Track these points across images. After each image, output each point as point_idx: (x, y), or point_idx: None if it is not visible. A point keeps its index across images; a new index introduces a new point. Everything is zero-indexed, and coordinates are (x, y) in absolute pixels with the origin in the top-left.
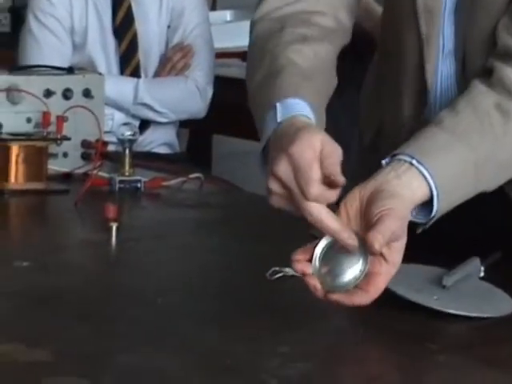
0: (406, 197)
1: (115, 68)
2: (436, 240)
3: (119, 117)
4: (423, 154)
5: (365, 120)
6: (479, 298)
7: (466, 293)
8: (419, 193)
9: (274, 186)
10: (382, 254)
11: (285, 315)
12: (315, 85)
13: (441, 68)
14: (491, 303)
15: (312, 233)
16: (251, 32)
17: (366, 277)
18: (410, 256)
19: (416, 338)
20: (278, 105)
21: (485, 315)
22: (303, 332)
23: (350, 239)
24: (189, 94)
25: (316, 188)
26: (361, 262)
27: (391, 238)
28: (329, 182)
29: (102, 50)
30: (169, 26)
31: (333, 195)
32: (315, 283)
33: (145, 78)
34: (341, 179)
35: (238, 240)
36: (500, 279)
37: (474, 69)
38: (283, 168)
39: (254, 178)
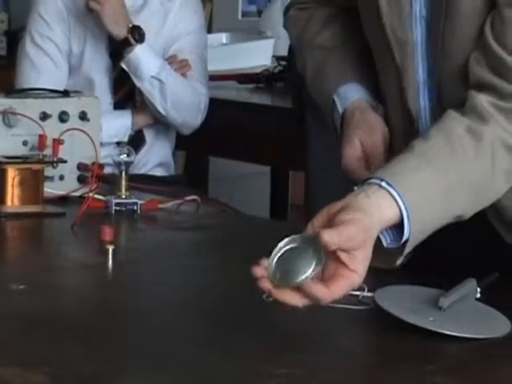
0: (375, 215)
1: (109, 88)
2: (432, 261)
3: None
4: (393, 175)
5: None
6: (476, 319)
7: (462, 314)
8: (389, 214)
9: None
10: (342, 261)
11: (282, 337)
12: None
13: (423, 98)
14: (488, 324)
15: None
16: (285, 14)
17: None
18: (406, 277)
19: (413, 359)
20: (335, 97)
21: (481, 336)
22: (300, 353)
23: None
24: (194, 99)
25: None
26: (314, 262)
27: (348, 242)
28: None
29: (98, 71)
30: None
31: None
32: (265, 284)
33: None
34: None
35: (234, 262)
36: (496, 300)
37: (449, 100)
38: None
39: (250, 200)
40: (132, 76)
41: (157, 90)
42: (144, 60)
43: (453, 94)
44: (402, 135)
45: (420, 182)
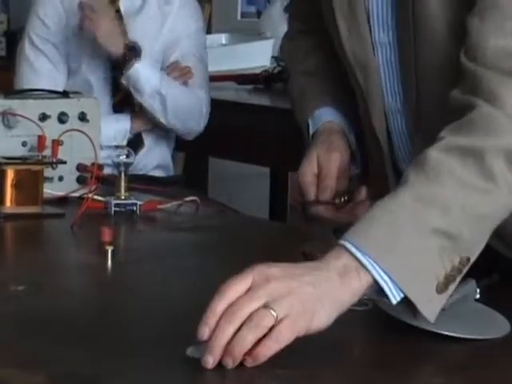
0: None
1: (108, 90)
2: None
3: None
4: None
5: None
6: (475, 320)
7: (461, 314)
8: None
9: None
10: None
11: None
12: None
13: (392, 125)
14: (487, 325)
15: (304, 251)
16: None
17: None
18: None
19: (413, 359)
20: (309, 120)
21: (481, 337)
22: (300, 354)
23: None
24: (196, 106)
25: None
26: None
27: None
28: None
29: (96, 73)
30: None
31: None
32: None
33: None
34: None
35: (234, 263)
36: (496, 301)
37: (428, 127)
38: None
39: (249, 201)
40: (132, 91)
41: (158, 103)
42: (143, 75)
43: (434, 119)
44: (378, 163)
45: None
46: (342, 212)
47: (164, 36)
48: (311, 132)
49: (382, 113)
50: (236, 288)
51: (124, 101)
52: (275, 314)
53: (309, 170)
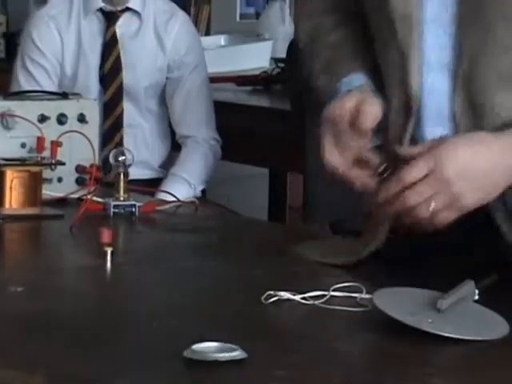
0: None
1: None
2: (431, 263)
3: None
4: None
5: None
6: (474, 321)
7: (460, 316)
8: None
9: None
10: None
11: (280, 339)
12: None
13: (428, 82)
14: (486, 326)
15: (298, 252)
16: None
17: None
18: (405, 279)
19: (412, 361)
20: (338, 84)
21: (480, 338)
22: (298, 356)
23: None
24: (210, 161)
25: None
26: None
27: None
28: None
29: (90, 94)
30: (168, 78)
31: None
32: None
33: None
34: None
35: (232, 264)
36: (494, 302)
37: (480, 92)
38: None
39: (248, 202)
40: None
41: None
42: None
43: (482, 81)
44: (397, 127)
45: None
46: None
47: (166, 55)
48: (342, 92)
49: (419, 68)
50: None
51: (115, 126)
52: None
53: (342, 105)
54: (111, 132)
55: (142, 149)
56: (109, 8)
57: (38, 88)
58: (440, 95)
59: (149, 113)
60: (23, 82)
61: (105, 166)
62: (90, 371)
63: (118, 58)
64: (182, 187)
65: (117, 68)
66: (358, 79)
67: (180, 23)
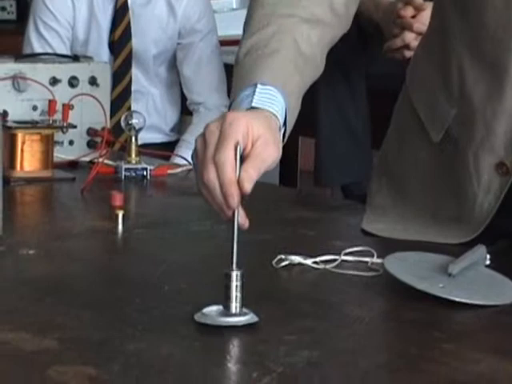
0: None
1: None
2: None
3: None
4: None
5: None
6: (485, 286)
7: (471, 281)
8: None
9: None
10: None
11: (291, 303)
12: (305, 75)
13: None
14: (497, 291)
15: None
16: None
17: None
18: (416, 243)
19: (422, 325)
20: (259, 87)
21: (491, 303)
22: (309, 320)
23: None
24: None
25: None
26: None
27: None
28: None
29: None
30: (179, 43)
31: None
32: None
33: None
34: None
35: None
36: (506, 267)
37: None
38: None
39: None
40: None
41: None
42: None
43: None
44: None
45: None
46: None
47: (178, 23)
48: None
49: None
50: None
51: (122, 95)
52: None
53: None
54: (121, 99)
55: (152, 115)
56: None
57: (50, 51)
58: None
59: (158, 79)
60: (36, 45)
61: (115, 132)
62: (101, 334)
63: (129, 25)
64: None
65: (127, 35)
66: (276, 101)
67: None
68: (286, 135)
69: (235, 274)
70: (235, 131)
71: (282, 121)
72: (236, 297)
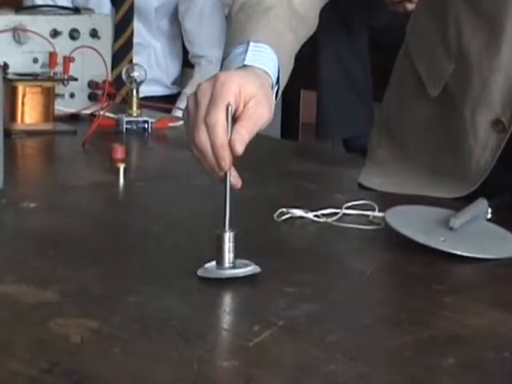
0: None
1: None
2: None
3: None
4: None
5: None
6: (486, 240)
7: (473, 234)
8: None
9: None
10: None
11: (292, 256)
12: (298, 33)
13: None
14: (498, 245)
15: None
16: None
17: None
18: (417, 197)
19: (423, 279)
20: (251, 45)
21: (492, 256)
22: (310, 273)
23: None
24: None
25: None
26: None
27: None
28: None
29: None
30: None
31: None
32: None
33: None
34: None
35: (245, 181)
36: (507, 221)
37: None
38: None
39: None
40: None
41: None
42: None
43: None
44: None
45: None
46: None
47: None
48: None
49: None
50: None
51: (124, 47)
52: None
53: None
54: (123, 51)
55: (154, 68)
56: None
57: (51, 3)
58: None
59: (160, 32)
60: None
61: (116, 85)
62: (103, 287)
63: None
64: None
65: None
66: (268, 60)
67: None
68: (279, 93)
69: (228, 235)
70: (227, 92)
71: (274, 79)
72: (229, 258)
